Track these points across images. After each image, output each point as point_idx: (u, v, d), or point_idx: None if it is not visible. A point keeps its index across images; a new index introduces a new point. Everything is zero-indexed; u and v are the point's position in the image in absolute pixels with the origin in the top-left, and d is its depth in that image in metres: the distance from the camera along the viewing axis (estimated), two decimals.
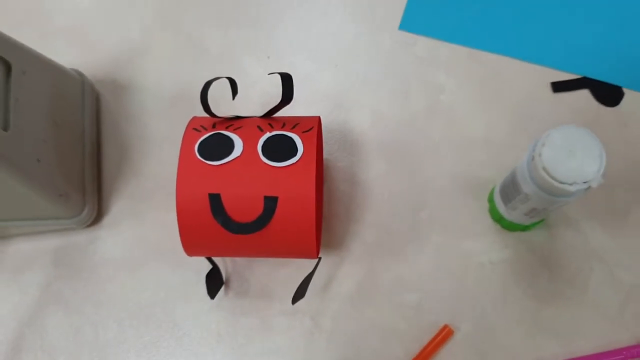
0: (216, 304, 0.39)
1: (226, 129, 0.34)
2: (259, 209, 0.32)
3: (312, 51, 0.43)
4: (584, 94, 0.40)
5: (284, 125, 0.34)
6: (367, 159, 0.40)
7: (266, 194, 0.32)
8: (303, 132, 0.33)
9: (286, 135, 0.33)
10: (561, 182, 0.28)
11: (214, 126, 0.34)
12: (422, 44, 0.42)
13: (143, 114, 0.43)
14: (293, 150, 0.32)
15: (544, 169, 0.28)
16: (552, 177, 0.28)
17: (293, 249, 0.33)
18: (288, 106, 0.40)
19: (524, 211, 0.33)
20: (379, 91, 0.41)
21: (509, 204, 0.34)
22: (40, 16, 0.44)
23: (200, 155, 0.32)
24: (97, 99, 0.42)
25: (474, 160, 0.39)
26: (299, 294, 0.36)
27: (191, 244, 0.34)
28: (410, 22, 0.42)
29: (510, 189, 0.33)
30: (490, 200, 0.38)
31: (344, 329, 0.38)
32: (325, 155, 0.41)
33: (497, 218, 0.38)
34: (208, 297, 0.38)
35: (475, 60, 0.41)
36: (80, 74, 0.41)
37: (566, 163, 0.28)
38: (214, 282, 0.38)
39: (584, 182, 0.28)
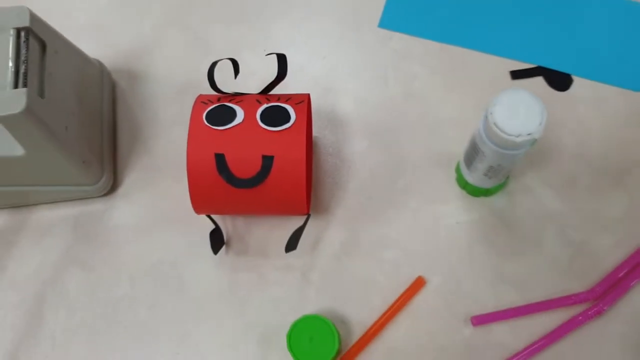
0: (218, 262, 0.44)
1: (229, 102, 0.39)
2: (257, 166, 0.37)
3: (303, 46, 0.49)
4: (539, 81, 0.46)
5: (279, 99, 0.40)
6: (351, 136, 0.46)
7: (264, 153, 0.37)
8: (295, 104, 0.39)
9: (281, 106, 0.39)
10: (509, 135, 0.34)
11: (219, 100, 0.40)
12: (398, 39, 0.48)
13: (154, 100, 0.48)
14: (287, 118, 0.38)
15: (495, 124, 0.34)
16: (502, 131, 0.34)
17: (287, 203, 0.39)
18: (283, 90, 0.46)
19: (482, 171, 0.39)
20: (362, 79, 0.47)
21: (470, 166, 0.40)
22: (61, 14, 0.49)
23: (208, 121, 0.38)
24: (113, 86, 0.48)
25: (444, 137, 0.45)
26: (291, 244, 0.41)
27: (199, 200, 0.39)
28: (388, 21, 0.48)
29: (470, 152, 0.39)
30: (457, 170, 0.43)
31: (330, 282, 0.43)
32: (314, 133, 0.46)
33: (463, 185, 0.43)
34: (211, 257, 0.44)
35: (444, 53, 0.48)
36: (100, 63, 0.47)
37: (513, 118, 0.34)
38: (217, 240, 0.43)
39: (528, 134, 0.33)
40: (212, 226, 0.43)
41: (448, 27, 0.48)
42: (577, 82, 0.46)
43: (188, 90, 0.48)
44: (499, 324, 0.41)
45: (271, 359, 0.41)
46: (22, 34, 0.37)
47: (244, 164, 0.38)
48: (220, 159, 0.38)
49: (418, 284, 0.42)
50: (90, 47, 0.46)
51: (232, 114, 0.38)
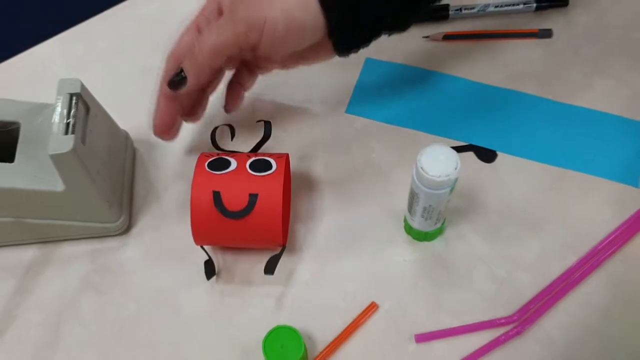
0: (209, 289, 0.53)
1: (226, 156, 0.51)
2: (245, 201, 0.49)
3: (282, 122, 0.61)
4: (470, 155, 0.58)
5: (264, 155, 0.52)
6: (322, 193, 0.57)
7: (250, 192, 0.49)
8: (277, 158, 0.51)
9: (265, 159, 0.51)
10: (432, 176, 0.45)
11: (218, 154, 0.52)
12: (361, 121, 0.61)
13: (165, 162, 0.60)
14: (269, 167, 0.50)
15: (422, 168, 0.46)
16: (427, 174, 0.45)
17: (267, 234, 0.50)
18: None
19: (420, 213, 0.50)
20: (331, 149, 0.60)
21: (411, 211, 0.51)
22: (108, 90, 0.61)
23: (208, 168, 0.50)
24: (134, 151, 0.60)
25: (395, 196, 0.56)
26: (269, 268, 0.51)
27: (198, 229, 0.49)
28: (353, 108, 0.62)
29: (410, 198, 0.50)
30: (405, 220, 0.54)
31: (300, 308, 0.52)
32: (292, 190, 0.58)
33: (409, 230, 0.54)
34: (203, 285, 0.53)
35: (396, 133, 0.60)
36: (126, 133, 0.59)
37: (435, 164, 0.45)
38: (210, 268, 0.53)
39: (447, 175, 0.45)
40: (207, 258, 0.53)
41: (399, 114, 0.61)
42: (501, 156, 0.58)
43: (192, 153, 0.60)
44: (438, 342, 0.51)
45: None
46: (74, 98, 0.49)
47: (235, 200, 0.49)
48: (217, 195, 0.49)
49: (371, 308, 0.52)
50: (121, 119, 0.58)
51: (228, 163, 0.50)
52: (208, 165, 0.50)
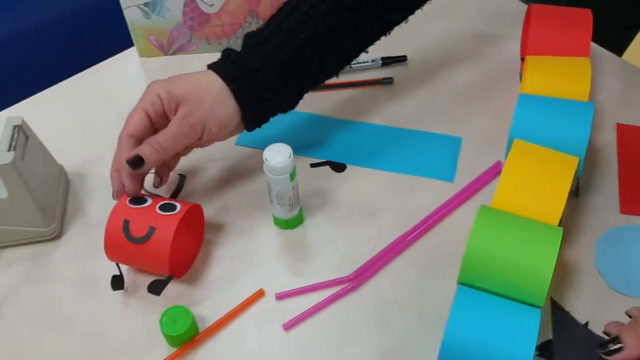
0: (112, 302, 0.67)
1: (147, 196, 0.67)
2: (145, 231, 0.62)
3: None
4: (327, 168, 0.76)
5: (174, 200, 0.67)
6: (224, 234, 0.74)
7: (150, 225, 0.63)
8: (184, 204, 0.67)
9: (173, 203, 0.66)
10: (272, 163, 0.62)
11: (142, 194, 0.67)
12: (249, 150, 0.79)
13: (94, 189, 0.77)
14: (173, 209, 0.65)
15: (266, 159, 0.63)
16: (268, 161, 0.63)
17: (157, 261, 0.62)
18: None
19: (275, 200, 0.67)
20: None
21: (270, 200, 0.68)
22: (46, 127, 0.80)
23: (129, 202, 0.66)
24: (67, 180, 0.77)
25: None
26: (153, 289, 0.63)
27: (109, 247, 0.64)
28: (242, 140, 0.80)
29: (268, 190, 0.67)
30: (272, 215, 0.71)
31: (195, 297, 0.67)
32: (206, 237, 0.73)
33: (276, 222, 0.71)
34: (109, 296, 0.67)
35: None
36: (61, 165, 0.77)
37: (275, 156, 0.63)
38: (118, 282, 0.66)
39: (284, 162, 0.62)
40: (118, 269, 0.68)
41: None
42: (349, 167, 0.76)
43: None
44: (297, 297, 0.65)
45: (157, 346, 0.64)
46: (16, 128, 0.67)
47: (138, 228, 0.62)
48: (126, 222, 0.63)
49: (259, 294, 0.66)
50: (55, 154, 0.76)
51: (144, 201, 0.65)
52: (129, 200, 0.66)
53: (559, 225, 0.59)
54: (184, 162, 0.75)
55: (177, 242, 0.64)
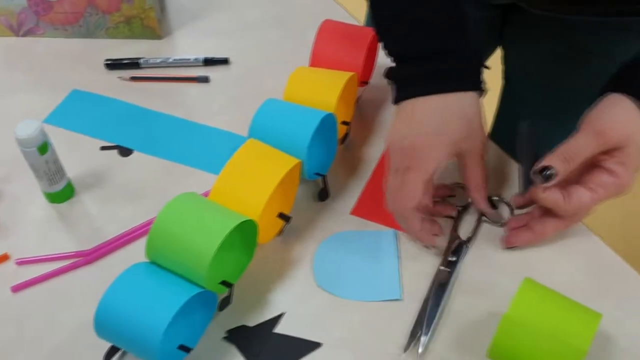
0: None
1: None
2: None
3: None
4: (114, 152, 0.81)
5: None
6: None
7: None
8: None
9: None
10: (17, 134, 0.68)
11: None
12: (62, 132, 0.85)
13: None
14: None
15: (15, 133, 0.69)
16: (15, 133, 0.68)
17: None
18: None
19: (34, 173, 0.72)
20: None
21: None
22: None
23: None
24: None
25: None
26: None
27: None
28: (53, 119, 0.86)
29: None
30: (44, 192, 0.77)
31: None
32: None
33: (44, 195, 0.76)
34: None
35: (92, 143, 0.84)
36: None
37: (22, 131, 0.69)
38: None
39: (27, 135, 0.68)
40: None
41: (88, 127, 0.85)
42: (136, 153, 0.81)
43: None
44: (36, 265, 0.71)
45: None
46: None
47: None
48: None
49: (3, 258, 0.72)
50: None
51: None
52: None
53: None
54: None
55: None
